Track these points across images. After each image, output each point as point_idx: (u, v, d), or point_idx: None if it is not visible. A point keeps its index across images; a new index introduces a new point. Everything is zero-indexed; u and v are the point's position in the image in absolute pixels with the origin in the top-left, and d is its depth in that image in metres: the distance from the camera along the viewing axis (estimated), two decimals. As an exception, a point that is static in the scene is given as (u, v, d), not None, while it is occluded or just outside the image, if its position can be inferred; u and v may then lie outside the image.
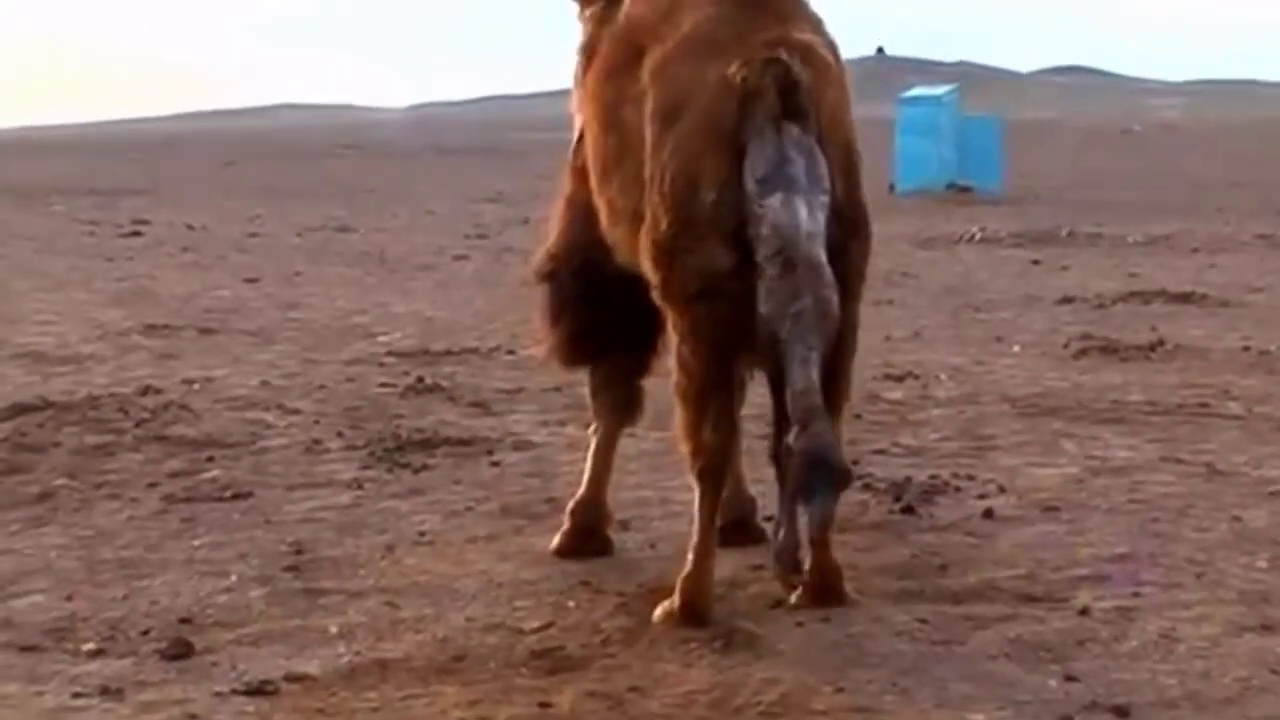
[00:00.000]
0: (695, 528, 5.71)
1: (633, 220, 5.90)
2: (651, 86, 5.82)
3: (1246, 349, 11.60)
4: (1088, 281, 16.32)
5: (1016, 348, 11.89)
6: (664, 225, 5.65)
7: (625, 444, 6.92)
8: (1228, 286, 15.65)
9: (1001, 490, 7.35)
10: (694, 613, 5.59)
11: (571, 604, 5.83)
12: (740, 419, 5.75)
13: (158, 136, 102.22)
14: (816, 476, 5.18)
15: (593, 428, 6.69)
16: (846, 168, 5.72)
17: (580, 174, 6.40)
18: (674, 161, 5.64)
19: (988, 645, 5.33)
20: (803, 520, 5.37)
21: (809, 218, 5.40)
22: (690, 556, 5.69)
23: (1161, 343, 11.76)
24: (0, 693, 5.08)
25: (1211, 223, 24.23)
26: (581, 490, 6.58)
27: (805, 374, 5.27)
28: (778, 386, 5.45)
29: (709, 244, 5.58)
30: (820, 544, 5.66)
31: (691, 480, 5.74)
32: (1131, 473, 7.72)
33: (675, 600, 5.61)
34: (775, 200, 5.41)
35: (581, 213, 6.41)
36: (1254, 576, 6.08)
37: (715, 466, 5.70)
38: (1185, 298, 14.83)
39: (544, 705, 4.86)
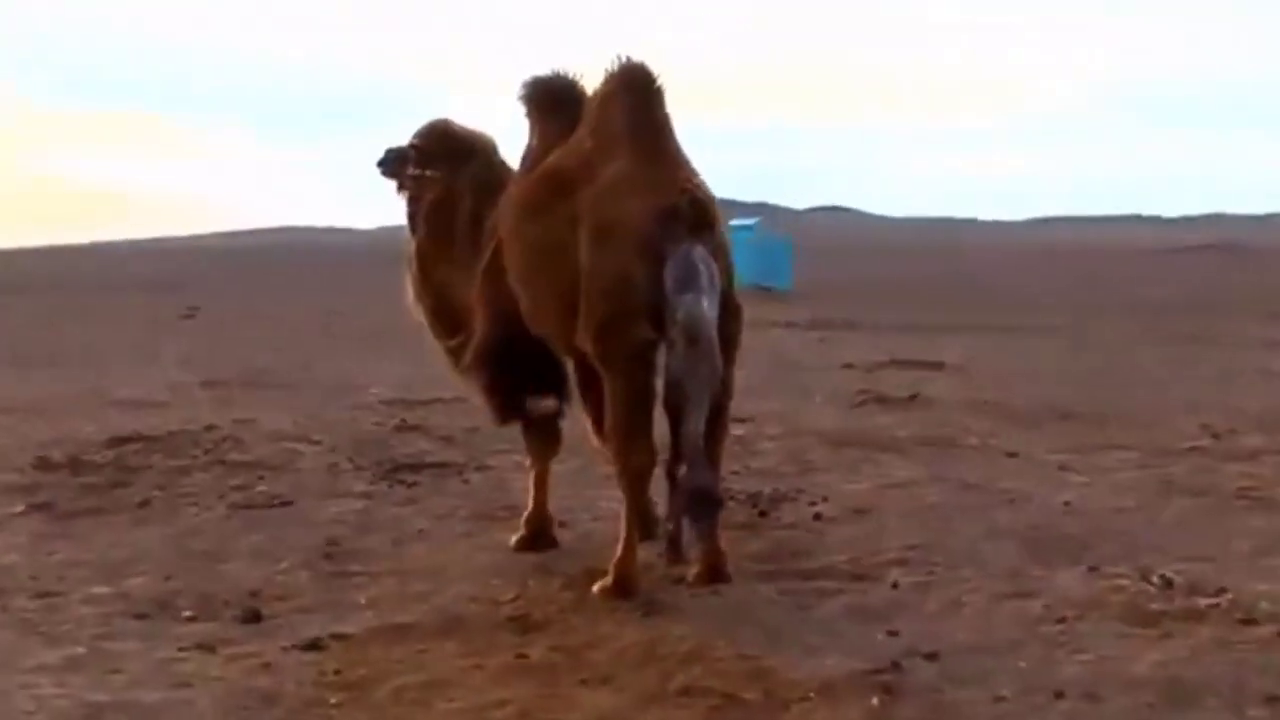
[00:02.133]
0: (624, 524, 5.55)
1: (561, 309, 5.74)
2: (588, 214, 5.67)
3: (974, 400, 11.56)
4: (860, 355, 16.25)
5: (818, 398, 11.76)
6: (603, 310, 5.53)
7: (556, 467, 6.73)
8: (962, 357, 15.58)
9: (825, 500, 7.21)
10: (625, 588, 5.46)
11: (532, 582, 5.65)
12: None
13: (196, 251, 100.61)
14: (701, 507, 5.25)
15: (529, 462, 6.48)
16: (727, 271, 5.67)
17: (493, 277, 6.15)
18: (613, 265, 5.53)
19: (832, 611, 5.21)
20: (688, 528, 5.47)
21: (709, 308, 5.39)
22: (621, 545, 5.54)
23: (916, 396, 11.68)
24: (122, 649, 4.82)
25: (945, 315, 24.34)
26: (530, 506, 6.36)
27: (696, 421, 5.26)
28: (676, 424, 5.38)
29: (639, 323, 5.48)
30: (710, 540, 5.54)
31: (623, 490, 5.59)
32: (910, 487, 7.61)
33: (610, 578, 5.46)
34: (689, 297, 5.38)
35: (497, 310, 6.15)
36: (1007, 560, 5.98)
37: (641, 480, 5.58)
38: (934, 365, 14.73)
39: (520, 656, 4.67)
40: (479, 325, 6.33)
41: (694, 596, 5.37)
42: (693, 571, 5.58)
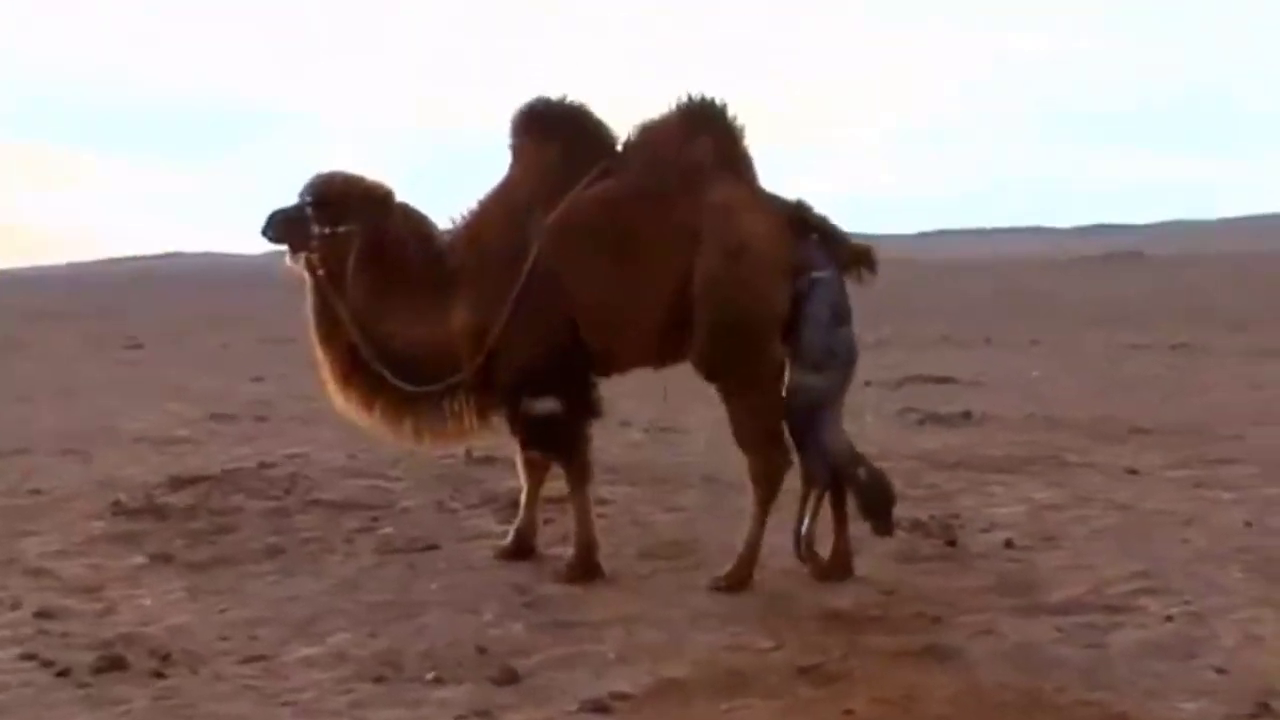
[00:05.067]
0: (754, 524, 5.86)
1: (653, 322, 5.88)
2: (709, 229, 5.79)
3: (1032, 415, 11.35)
4: (868, 372, 15.90)
5: (869, 418, 11.46)
6: (747, 325, 5.76)
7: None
8: (969, 372, 15.37)
9: (993, 525, 6.96)
10: (741, 584, 5.77)
11: (778, 625, 5.26)
12: None
13: (95, 279, 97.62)
14: (881, 501, 6.00)
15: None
16: None
17: (531, 304, 5.94)
18: (752, 283, 5.75)
19: (1128, 647, 4.93)
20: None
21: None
22: (747, 545, 5.84)
23: (969, 413, 11.45)
24: (387, 717, 4.36)
25: (911, 328, 24.07)
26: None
27: (841, 431, 5.99)
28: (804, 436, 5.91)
29: (776, 340, 5.83)
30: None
31: (762, 491, 5.86)
32: (1065, 509, 7.38)
33: (730, 575, 5.80)
34: (846, 331, 5.91)
35: (543, 335, 5.99)
36: (1243, 585, 5.76)
37: (778, 483, 5.88)
38: (943, 380, 14.52)
39: (847, 711, 4.31)
40: (517, 354, 6.03)
41: (966, 638, 5.04)
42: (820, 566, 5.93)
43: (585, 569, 6.05)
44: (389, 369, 6.13)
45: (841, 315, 5.91)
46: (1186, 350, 18.19)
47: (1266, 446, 9.41)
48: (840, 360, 5.91)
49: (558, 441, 6.19)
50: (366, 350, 6.13)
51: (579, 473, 6.20)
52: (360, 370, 6.20)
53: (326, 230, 6.13)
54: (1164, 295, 35.44)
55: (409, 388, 6.14)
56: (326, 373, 6.30)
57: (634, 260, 5.89)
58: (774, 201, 6.00)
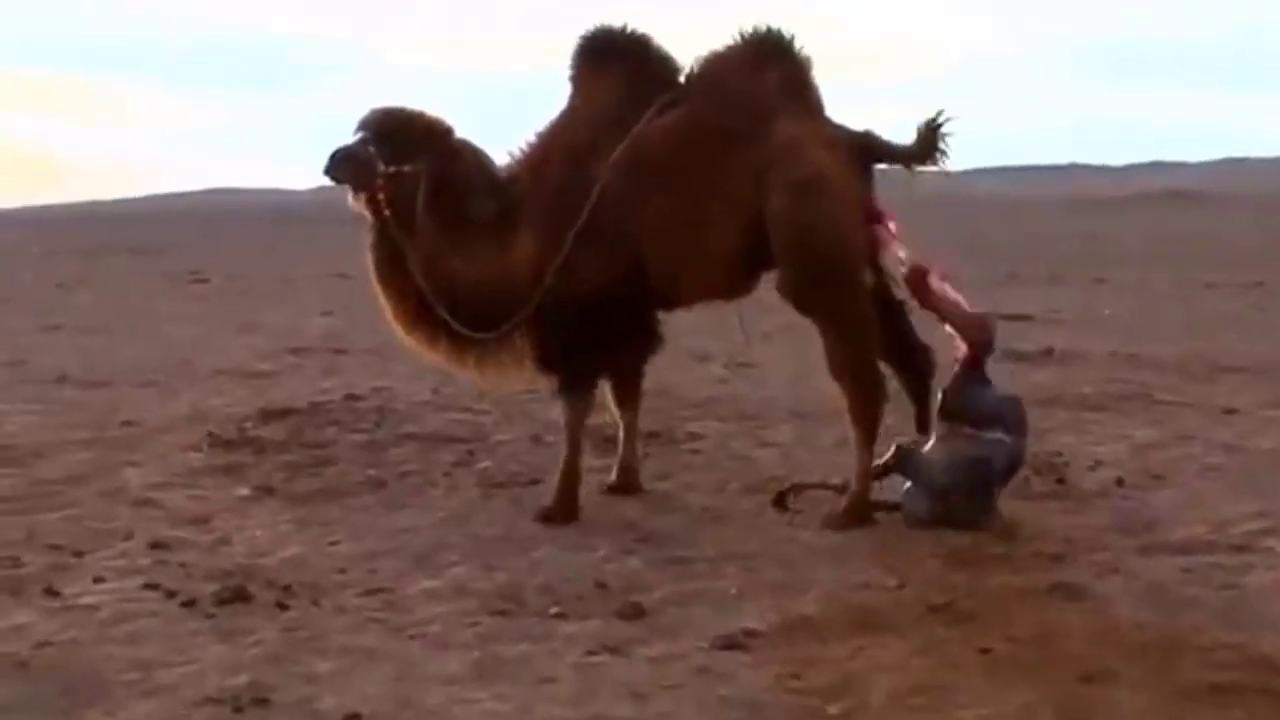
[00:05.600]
0: (860, 456, 5.77)
1: (723, 256, 5.85)
2: (778, 164, 5.76)
3: (1115, 353, 11.22)
4: (936, 307, 15.83)
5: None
6: (826, 257, 5.72)
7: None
8: (1041, 309, 15.21)
9: (1098, 464, 6.87)
10: (861, 519, 5.75)
11: (897, 563, 5.20)
12: None
13: (149, 214, 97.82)
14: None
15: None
16: None
17: (594, 237, 5.86)
18: (825, 217, 5.72)
19: (1262, 587, 4.84)
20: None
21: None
22: (857, 478, 5.78)
23: (1051, 350, 11.33)
24: (517, 651, 4.32)
25: (970, 266, 23.79)
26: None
27: None
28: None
29: (862, 270, 5.80)
30: None
31: (866, 423, 5.78)
32: (1167, 448, 7.28)
33: (846, 510, 5.76)
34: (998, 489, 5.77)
35: (606, 268, 5.92)
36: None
37: (876, 419, 5.82)
38: (1019, 317, 14.33)
39: (984, 650, 4.24)
40: (577, 288, 5.93)
41: (1094, 577, 4.97)
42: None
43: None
44: (453, 313, 6.01)
45: (1006, 476, 5.76)
46: (1263, 289, 17.91)
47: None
48: (963, 500, 5.69)
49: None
50: (431, 292, 5.99)
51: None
52: (425, 313, 6.07)
53: (392, 169, 5.92)
54: (1227, 234, 34.94)
55: (472, 334, 6.03)
56: (390, 315, 6.16)
57: (702, 197, 5.84)
58: (842, 132, 5.96)
